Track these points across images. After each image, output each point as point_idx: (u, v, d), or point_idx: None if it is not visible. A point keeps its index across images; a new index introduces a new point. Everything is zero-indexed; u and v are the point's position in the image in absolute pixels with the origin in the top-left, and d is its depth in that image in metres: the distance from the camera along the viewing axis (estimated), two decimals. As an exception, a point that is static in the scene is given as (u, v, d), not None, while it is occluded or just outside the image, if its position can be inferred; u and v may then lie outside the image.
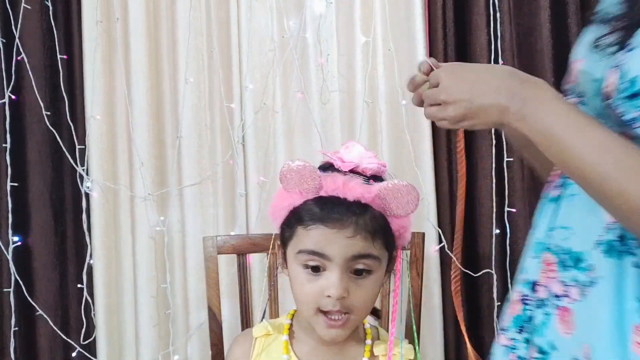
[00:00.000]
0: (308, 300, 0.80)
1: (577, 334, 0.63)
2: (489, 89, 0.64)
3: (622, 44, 0.59)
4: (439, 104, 0.67)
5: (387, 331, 0.92)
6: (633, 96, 0.57)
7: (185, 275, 1.58)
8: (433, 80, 0.69)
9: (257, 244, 1.27)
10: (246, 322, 1.28)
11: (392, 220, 0.80)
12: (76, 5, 1.58)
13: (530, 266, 0.71)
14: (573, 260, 0.64)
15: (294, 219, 0.81)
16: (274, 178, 1.50)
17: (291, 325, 0.91)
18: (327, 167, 0.84)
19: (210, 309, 1.28)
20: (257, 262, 1.50)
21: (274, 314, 1.22)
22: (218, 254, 1.28)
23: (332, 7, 1.61)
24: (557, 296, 0.66)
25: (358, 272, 0.79)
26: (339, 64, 1.62)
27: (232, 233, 1.54)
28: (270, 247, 0.89)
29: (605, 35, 0.62)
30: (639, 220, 0.56)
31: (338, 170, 0.81)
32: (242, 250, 1.28)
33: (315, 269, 0.79)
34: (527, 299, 0.70)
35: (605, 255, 0.61)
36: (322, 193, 0.78)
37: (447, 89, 0.66)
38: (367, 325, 0.90)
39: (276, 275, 0.93)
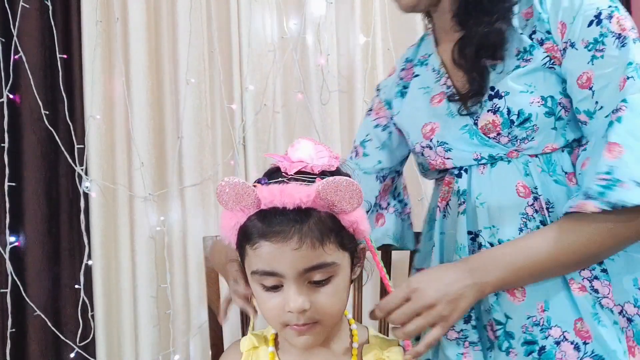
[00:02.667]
0: (272, 317, 0.75)
1: (527, 299, 0.81)
2: (455, 277, 0.77)
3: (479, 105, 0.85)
4: (419, 314, 0.76)
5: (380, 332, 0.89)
6: (524, 122, 0.81)
7: (186, 275, 1.58)
8: (399, 299, 0.77)
9: (258, 244, 1.27)
10: (246, 322, 1.27)
11: (342, 217, 0.74)
12: (75, 4, 1.57)
13: None
14: None
15: (243, 238, 0.75)
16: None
17: (277, 335, 0.87)
18: (273, 172, 0.78)
19: (210, 309, 1.27)
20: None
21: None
22: (218, 253, 1.27)
23: (332, 7, 1.61)
24: None
25: (317, 281, 0.73)
26: (339, 64, 1.62)
27: (232, 233, 1.53)
28: None
29: (462, 106, 0.86)
30: (624, 245, 0.78)
31: (282, 174, 0.75)
32: (242, 250, 1.27)
33: (273, 287, 0.74)
34: None
35: None
36: (263, 206, 0.72)
37: (422, 294, 0.75)
38: (353, 326, 0.85)
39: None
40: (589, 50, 0.77)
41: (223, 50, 1.62)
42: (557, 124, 0.82)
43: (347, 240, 0.76)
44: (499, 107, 0.82)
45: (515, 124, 0.82)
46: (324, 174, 0.75)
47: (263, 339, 0.86)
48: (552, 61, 0.81)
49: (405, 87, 1.02)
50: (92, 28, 1.56)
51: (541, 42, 0.82)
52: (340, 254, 0.75)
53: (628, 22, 0.78)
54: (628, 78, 0.75)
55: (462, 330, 0.87)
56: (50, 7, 1.55)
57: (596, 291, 0.79)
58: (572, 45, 0.79)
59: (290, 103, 1.63)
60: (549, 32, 0.81)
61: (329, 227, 0.73)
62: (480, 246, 0.85)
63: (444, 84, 0.92)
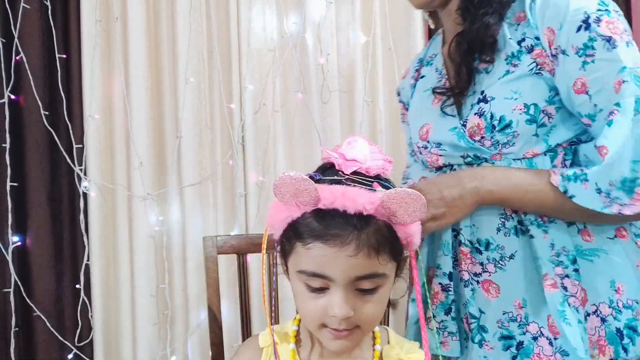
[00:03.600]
0: (312, 317, 0.73)
1: (502, 295, 0.85)
2: (453, 182, 0.84)
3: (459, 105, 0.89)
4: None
5: (405, 337, 0.90)
6: (504, 128, 0.83)
7: (185, 275, 1.58)
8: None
9: (257, 244, 1.26)
10: (246, 322, 1.28)
11: (398, 228, 0.73)
12: (75, 4, 1.57)
13: (444, 262, 0.90)
14: (484, 245, 0.87)
15: (293, 234, 0.73)
16: (274, 178, 1.50)
17: (298, 331, 0.86)
18: (327, 168, 0.76)
19: (210, 309, 1.27)
20: (257, 262, 1.50)
21: (275, 316, 1.21)
22: (218, 254, 1.27)
23: (332, 7, 1.61)
24: (476, 274, 0.88)
25: (364, 290, 0.72)
26: (339, 64, 1.62)
27: (232, 233, 1.53)
28: (263, 247, 0.82)
29: (446, 102, 0.90)
30: (581, 218, 0.81)
31: (338, 172, 0.74)
32: (241, 250, 1.27)
33: (318, 289, 0.72)
34: (448, 287, 0.90)
35: (512, 235, 0.85)
36: (321, 205, 0.70)
37: (424, 192, 0.79)
38: (376, 329, 0.83)
39: (276, 276, 0.85)
40: (580, 56, 0.78)
41: (222, 50, 1.62)
42: (539, 131, 0.83)
43: (399, 252, 0.75)
44: (484, 111, 0.85)
45: (496, 129, 0.84)
46: (378, 177, 0.74)
47: (284, 336, 0.85)
48: (539, 67, 0.82)
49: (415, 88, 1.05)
50: (91, 27, 1.56)
51: (530, 49, 0.83)
52: (390, 266, 0.73)
53: (619, 24, 0.78)
54: (623, 82, 0.75)
55: (442, 320, 0.91)
56: (50, 7, 1.55)
57: (565, 289, 0.82)
58: (563, 52, 0.79)
59: (290, 103, 1.63)
60: (537, 38, 0.82)
61: (385, 237, 0.71)
62: (460, 244, 0.89)
63: (444, 84, 0.94)
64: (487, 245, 0.87)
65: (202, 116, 1.61)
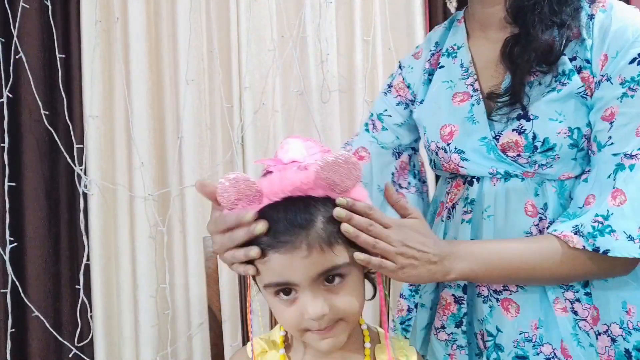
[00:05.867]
0: (292, 325, 0.73)
1: (521, 315, 0.83)
2: (433, 250, 0.74)
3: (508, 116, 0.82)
4: (385, 242, 0.72)
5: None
6: (547, 151, 0.80)
7: (186, 275, 1.58)
8: (384, 220, 0.72)
9: (257, 244, 1.26)
10: (246, 322, 1.27)
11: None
12: (75, 4, 1.57)
13: None
14: None
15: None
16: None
17: (286, 337, 0.86)
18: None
19: (210, 309, 1.27)
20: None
21: (275, 320, 1.21)
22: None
23: (332, 7, 1.61)
24: (497, 291, 0.85)
25: (330, 280, 0.72)
26: (339, 64, 1.62)
27: (232, 233, 1.53)
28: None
29: (499, 110, 0.83)
30: (590, 278, 0.80)
31: None
32: (242, 249, 1.27)
33: (287, 292, 0.72)
34: (461, 300, 0.88)
35: None
36: (265, 200, 0.71)
37: (403, 232, 0.72)
38: (364, 327, 0.84)
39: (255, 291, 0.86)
40: (623, 87, 0.76)
41: (222, 50, 1.62)
42: (578, 155, 0.81)
43: None
44: (525, 129, 0.81)
45: (538, 150, 0.81)
46: None
47: (272, 343, 0.84)
48: (585, 92, 0.79)
49: (430, 75, 0.97)
50: (91, 28, 1.56)
51: (578, 70, 0.79)
52: (350, 252, 0.73)
53: None
54: None
55: (452, 333, 0.90)
56: (50, 7, 1.55)
57: (575, 313, 0.82)
58: (609, 79, 0.77)
59: (290, 102, 1.63)
60: (588, 62, 0.79)
61: (336, 225, 0.71)
62: None
63: (471, 84, 0.89)
64: None
65: (203, 116, 1.61)
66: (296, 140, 0.76)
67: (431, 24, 1.57)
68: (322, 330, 0.73)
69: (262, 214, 0.71)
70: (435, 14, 1.56)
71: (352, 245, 0.73)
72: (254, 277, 0.77)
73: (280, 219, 0.70)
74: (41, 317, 1.51)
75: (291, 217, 0.70)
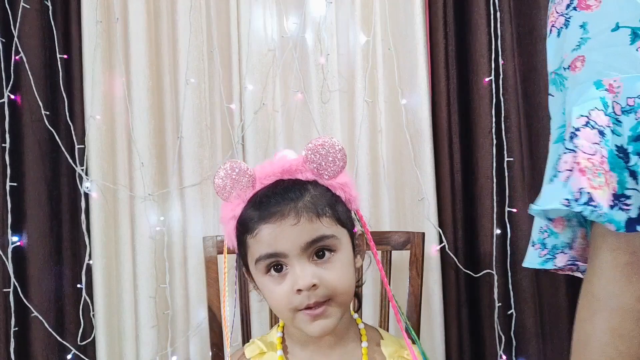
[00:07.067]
0: (283, 304, 0.75)
1: None
2: None
3: None
4: None
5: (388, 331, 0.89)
6: None
7: (186, 275, 1.58)
8: None
9: (257, 244, 1.27)
10: (246, 322, 1.28)
11: (332, 184, 0.77)
12: (75, 4, 1.57)
13: None
14: None
15: (242, 232, 0.77)
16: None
17: (283, 337, 0.86)
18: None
19: (210, 309, 1.27)
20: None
21: (275, 320, 1.21)
22: (218, 254, 1.28)
23: (332, 7, 1.61)
24: None
25: (320, 255, 0.74)
26: (339, 64, 1.62)
27: (232, 233, 1.53)
28: (224, 254, 0.86)
29: None
30: None
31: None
32: (242, 250, 1.27)
33: (278, 269, 0.74)
34: None
35: None
36: (258, 184, 0.77)
37: None
38: (360, 326, 0.85)
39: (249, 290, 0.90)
40: None
41: (222, 50, 1.62)
42: None
43: (343, 216, 0.78)
44: None
45: None
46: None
47: (270, 344, 0.85)
48: None
49: None
50: (92, 28, 1.57)
51: None
52: (339, 230, 0.76)
53: None
54: None
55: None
56: (50, 7, 1.56)
57: None
58: None
59: (290, 103, 1.63)
60: None
61: (323, 201, 0.75)
62: None
63: None
64: None
65: (203, 116, 1.62)
66: (290, 151, 0.83)
67: (431, 24, 1.57)
68: (312, 307, 0.74)
69: (254, 196, 0.76)
70: (436, 14, 1.56)
71: (341, 223, 0.76)
72: (247, 268, 0.79)
73: (270, 194, 0.75)
74: (40, 317, 1.52)
75: (280, 191, 0.75)
